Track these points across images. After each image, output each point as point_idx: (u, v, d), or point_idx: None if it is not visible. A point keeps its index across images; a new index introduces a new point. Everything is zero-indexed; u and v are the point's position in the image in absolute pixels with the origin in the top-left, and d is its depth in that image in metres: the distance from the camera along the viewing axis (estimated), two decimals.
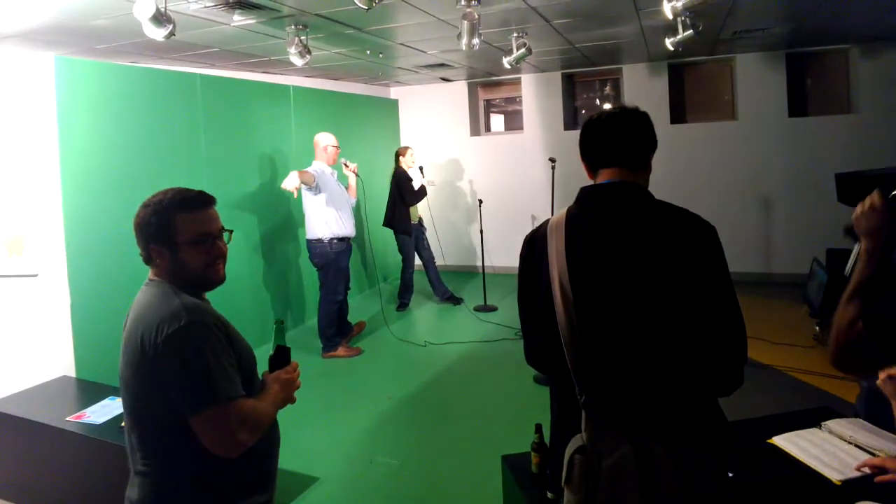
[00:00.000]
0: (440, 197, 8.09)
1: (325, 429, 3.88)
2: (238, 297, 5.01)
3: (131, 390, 1.49)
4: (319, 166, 5.02)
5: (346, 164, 5.27)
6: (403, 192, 6.18)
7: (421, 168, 6.34)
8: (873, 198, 1.37)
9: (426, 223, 6.76)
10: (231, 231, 1.62)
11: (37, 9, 3.45)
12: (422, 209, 6.58)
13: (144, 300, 1.52)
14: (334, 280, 5.03)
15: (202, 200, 1.56)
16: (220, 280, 1.59)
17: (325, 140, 5.07)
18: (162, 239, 1.51)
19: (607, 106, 7.36)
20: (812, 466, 1.85)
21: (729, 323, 1.33)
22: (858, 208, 1.39)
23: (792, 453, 1.94)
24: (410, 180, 6.21)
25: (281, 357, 1.66)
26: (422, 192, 6.27)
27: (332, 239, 4.94)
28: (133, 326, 1.48)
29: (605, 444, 1.30)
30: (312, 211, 4.96)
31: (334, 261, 5.00)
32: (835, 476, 1.78)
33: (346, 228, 5.05)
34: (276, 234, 5.67)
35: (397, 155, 6.43)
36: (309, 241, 5.02)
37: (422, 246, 6.54)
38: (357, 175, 5.29)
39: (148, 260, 1.56)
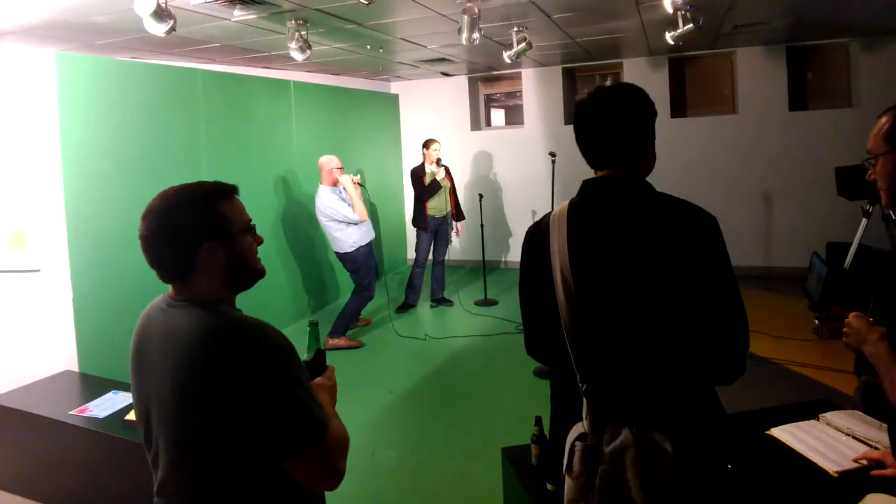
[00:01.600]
0: None
1: None
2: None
3: (191, 437, 1.23)
4: (324, 190, 5.09)
5: (350, 178, 5.32)
6: (414, 190, 6.16)
7: (439, 160, 6.15)
8: (849, 320, 1.49)
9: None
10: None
11: (38, 5, 3.45)
12: (442, 203, 6.23)
13: (186, 325, 1.24)
14: (366, 277, 5.28)
15: (234, 189, 1.38)
16: (264, 271, 1.40)
17: (330, 164, 5.17)
18: (218, 233, 1.28)
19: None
20: (809, 458, 1.87)
21: (730, 311, 1.34)
22: (845, 328, 1.50)
23: (789, 444, 1.96)
24: (421, 176, 6.12)
25: (319, 362, 1.52)
26: (431, 188, 6.09)
27: (358, 248, 5.18)
28: (178, 359, 1.22)
29: (605, 432, 1.31)
30: (335, 230, 5.12)
31: (364, 262, 5.25)
32: (831, 467, 1.80)
33: (367, 235, 5.27)
34: (277, 226, 5.69)
35: (423, 147, 6.28)
36: (337, 254, 5.27)
37: (441, 242, 6.37)
38: (362, 185, 5.32)
39: (185, 272, 1.28)
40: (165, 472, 1.29)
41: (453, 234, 6.49)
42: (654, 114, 1.46)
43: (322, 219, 5.11)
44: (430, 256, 6.39)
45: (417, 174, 6.15)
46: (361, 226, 5.17)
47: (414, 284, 6.38)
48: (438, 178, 6.08)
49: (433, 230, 6.24)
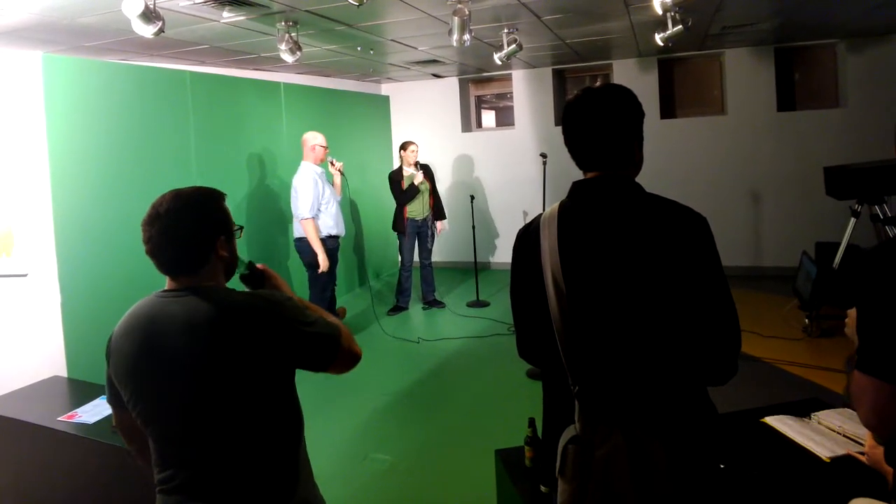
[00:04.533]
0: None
1: (317, 426, 3.88)
2: None
3: (235, 395, 1.35)
4: (308, 167, 4.98)
5: (332, 163, 5.26)
6: (393, 195, 6.11)
7: (417, 163, 6.09)
8: (851, 313, 1.43)
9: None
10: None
11: (24, 6, 3.42)
12: (420, 206, 6.17)
13: (206, 305, 1.35)
14: (325, 279, 4.98)
15: (224, 194, 1.57)
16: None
17: (313, 139, 5.03)
18: (226, 229, 1.47)
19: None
20: (802, 444, 1.90)
21: (721, 312, 1.34)
22: (847, 320, 1.44)
23: (783, 432, 1.99)
24: (399, 181, 6.06)
25: (254, 272, 1.61)
26: (409, 193, 6.00)
27: (322, 238, 4.93)
28: (216, 329, 1.33)
29: (597, 434, 1.31)
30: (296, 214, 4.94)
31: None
32: (824, 453, 1.83)
33: (336, 227, 5.08)
34: (265, 231, 5.66)
35: (400, 149, 6.21)
36: (299, 241, 4.99)
37: (424, 244, 6.30)
38: (342, 174, 5.28)
39: (200, 263, 1.41)
40: (193, 454, 1.37)
41: (434, 232, 6.44)
42: (641, 114, 1.46)
43: (292, 192, 4.98)
44: (417, 259, 6.35)
45: (395, 178, 6.08)
46: (326, 212, 4.98)
47: (403, 287, 6.34)
48: (416, 182, 6.00)
49: (414, 233, 6.18)
